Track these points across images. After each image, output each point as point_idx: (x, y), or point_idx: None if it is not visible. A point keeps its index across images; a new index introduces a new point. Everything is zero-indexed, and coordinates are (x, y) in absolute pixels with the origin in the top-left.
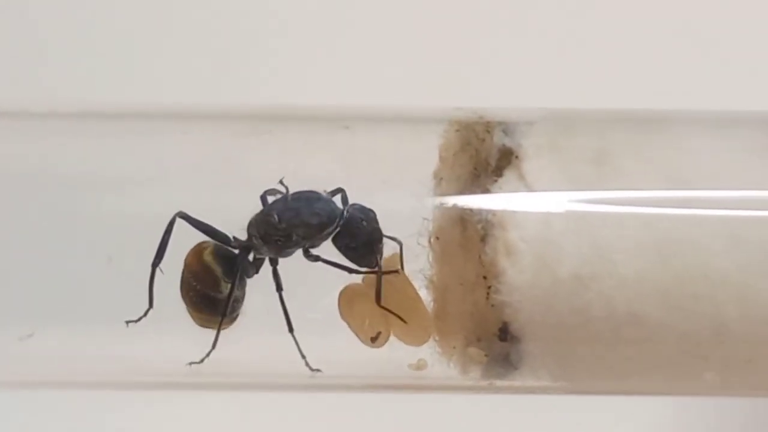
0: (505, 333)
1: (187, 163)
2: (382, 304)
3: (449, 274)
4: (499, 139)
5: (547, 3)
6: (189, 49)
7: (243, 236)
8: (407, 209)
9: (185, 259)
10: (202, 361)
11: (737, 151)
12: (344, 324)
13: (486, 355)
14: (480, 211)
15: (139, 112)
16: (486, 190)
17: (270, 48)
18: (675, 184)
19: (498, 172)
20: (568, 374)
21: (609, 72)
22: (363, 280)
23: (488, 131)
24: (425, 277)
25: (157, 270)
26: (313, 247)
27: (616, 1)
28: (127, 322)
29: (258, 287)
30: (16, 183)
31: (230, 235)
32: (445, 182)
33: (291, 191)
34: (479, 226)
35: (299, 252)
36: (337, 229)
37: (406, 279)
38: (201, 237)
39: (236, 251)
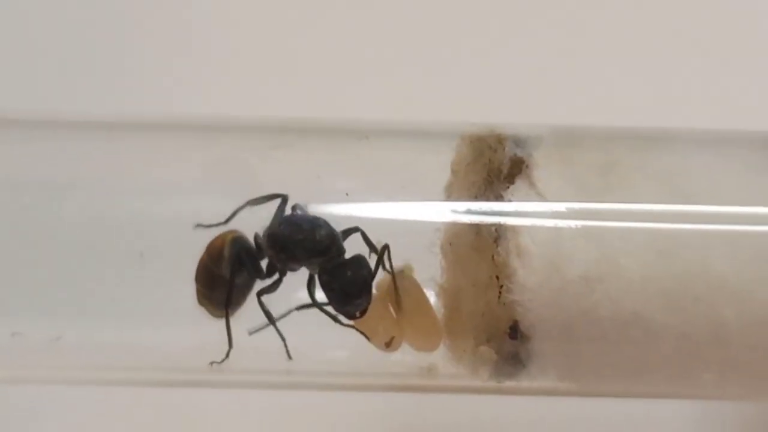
0: (515, 331)
1: (210, 172)
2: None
3: (462, 277)
4: (510, 149)
5: (558, 24)
6: (213, 63)
7: None
8: (421, 219)
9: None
10: (222, 361)
11: (736, 168)
12: (357, 328)
13: (496, 353)
14: (493, 216)
15: (167, 124)
16: (499, 196)
17: (296, 62)
18: (677, 196)
19: (510, 179)
20: (574, 373)
21: (616, 90)
22: (376, 287)
23: (500, 142)
24: (436, 284)
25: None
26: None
27: (624, 23)
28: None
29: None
30: (48, 185)
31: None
32: (457, 192)
33: (308, 206)
34: (493, 229)
35: None
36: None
37: (419, 286)
38: None
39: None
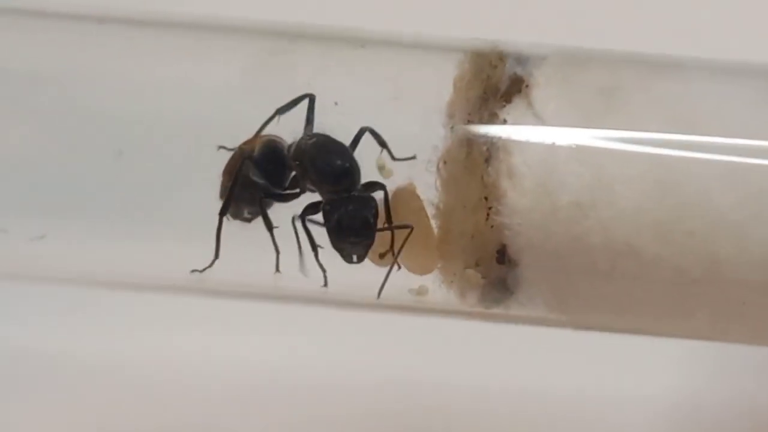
0: (502, 256)
1: (208, 73)
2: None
3: (454, 197)
4: (511, 67)
5: None
6: None
7: None
8: (418, 136)
9: None
10: (204, 270)
11: (743, 100)
12: None
13: (483, 278)
14: (486, 134)
15: (162, 21)
16: (493, 114)
17: None
18: (680, 124)
19: (507, 98)
20: (562, 304)
21: (624, 15)
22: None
23: (501, 59)
24: (432, 205)
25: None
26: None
27: None
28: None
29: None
30: (27, 77)
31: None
32: (455, 109)
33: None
34: (484, 148)
35: None
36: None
37: (420, 203)
38: None
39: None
